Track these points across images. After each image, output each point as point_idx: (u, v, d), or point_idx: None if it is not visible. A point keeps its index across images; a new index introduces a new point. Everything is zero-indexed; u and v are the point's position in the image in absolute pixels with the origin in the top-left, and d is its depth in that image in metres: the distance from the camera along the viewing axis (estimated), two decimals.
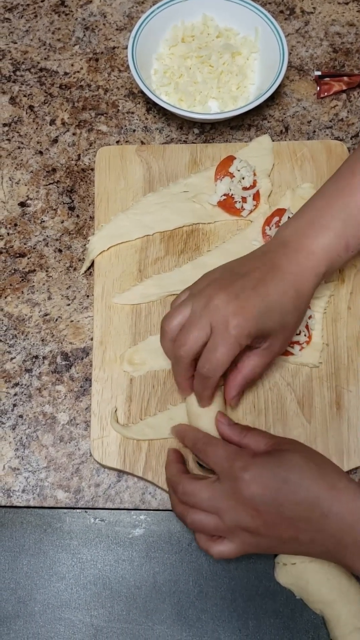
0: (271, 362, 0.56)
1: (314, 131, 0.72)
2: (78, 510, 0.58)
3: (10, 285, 0.65)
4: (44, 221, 0.68)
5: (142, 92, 0.74)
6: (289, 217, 0.62)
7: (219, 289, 0.52)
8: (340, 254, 0.55)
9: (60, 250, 0.67)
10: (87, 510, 0.58)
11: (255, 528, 0.47)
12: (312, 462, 0.48)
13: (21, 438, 0.60)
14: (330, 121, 0.73)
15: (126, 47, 0.77)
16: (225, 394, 0.56)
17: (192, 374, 0.54)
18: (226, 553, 0.49)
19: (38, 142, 0.72)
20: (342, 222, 0.54)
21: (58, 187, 0.70)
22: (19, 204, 0.69)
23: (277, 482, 0.47)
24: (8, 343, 0.63)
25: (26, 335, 0.63)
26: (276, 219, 0.64)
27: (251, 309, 0.51)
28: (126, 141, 0.72)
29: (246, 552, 0.50)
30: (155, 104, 0.73)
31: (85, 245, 0.67)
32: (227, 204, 0.66)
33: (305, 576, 0.54)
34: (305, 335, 0.60)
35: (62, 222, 0.68)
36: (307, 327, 0.60)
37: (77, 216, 0.69)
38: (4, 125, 0.73)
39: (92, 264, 0.65)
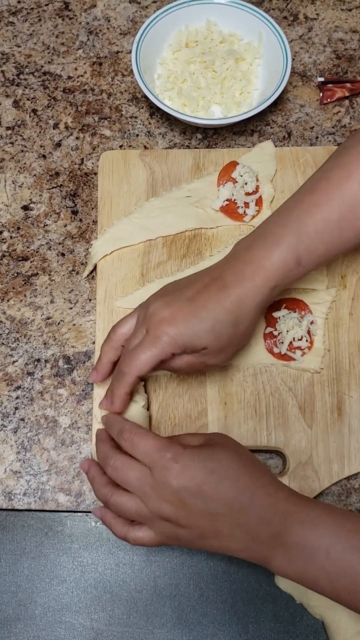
0: (200, 366, 0.54)
1: (317, 137, 0.73)
2: (79, 514, 0.58)
3: (13, 288, 0.66)
4: (47, 225, 0.68)
5: (145, 96, 0.74)
6: None
7: (158, 298, 0.53)
8: (291, 268, 0.53)
9: (63, 254, 0.67)
10: (88, 513, 0.58)
11: (177, 519, 0.47)
12: (241, 457, 0.49)
13: (23, 441, 0.60)
14: (333, 127, 0.73)
15: (130, 52, 0.78)
16: None
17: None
18: (144, 540, 0.49)
19: (41, 146, 0.72)
20: (295, 236, 0.52)
21: (61, 190, 0.70)
22: (22, 208, 0.69)
23: (204, 474, 0.47)
24: (10, 346, 0.63)
25: (28, 339, 0.64)
26: None
27: (181, 318, 0.51)
28: (129, 145, 0.72)
29: (164, 543, 0.50)
30: (158, 109, 0.73)
31: (88, 249, 0.67)
32: (230, 209, 0.66)
33: None
34: (307, 340, 0.60)
35: (65, 225, 0.68)
36: (308, 332, 0.61)
37: (80, 220, 0.69)
38: (8, 128, 0.73)
39: (95, 268, 0.66)
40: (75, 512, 0.58)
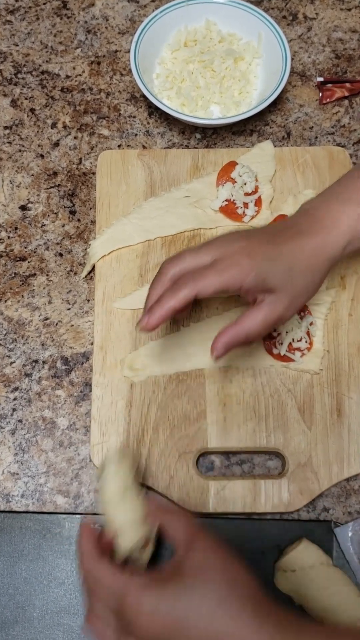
0: (272, 324, 0.51)
1: (316, 137, 0.72)
2: (77, 516, 0.58)
3: (11, 289, 0.65)
4: (44, 225, 0.68)
5: (144, 96, 0.74)
6: None
7: (231, 234, 0.51)
8: None
9: (60, 254, 0.67)
10: (86, 515, 0.58)
11: None
12: (219, 588, 0.42)
13: (20, 443, 0.59)
14: (332, 127, 0.73)
15: (128, 51, 0.77)
16: (212, 343, 0.51)
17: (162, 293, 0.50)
18: None
19: (39, 146, 0.72)
20: None
21: (59, 190, 0.70)
22: (19, 208, 0.69)
23: (173, 620, 0.41)
24: (8, 347, 0.63)
25: (26, 340, 0.63)
26: None
27: (260, 252, 0.49)
28: (128, 145, 0.72)
29: None
30: (157, 109, 0.73)
31: (86, 249, 0.67)
32: (229, 210, 0.66)
33: (305, 582, 0.54)
34: (306, 341, 0.60)
35: (63, 226, 0.68)
36: (308, 333, 0.60)
37: (78, 220, 0.68)
38: (5, 128, 0.73)
39: (93, 268, 0.65)
40: (73, 514, 0.58)
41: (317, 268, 0.51)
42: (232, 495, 0.56)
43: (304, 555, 0.55)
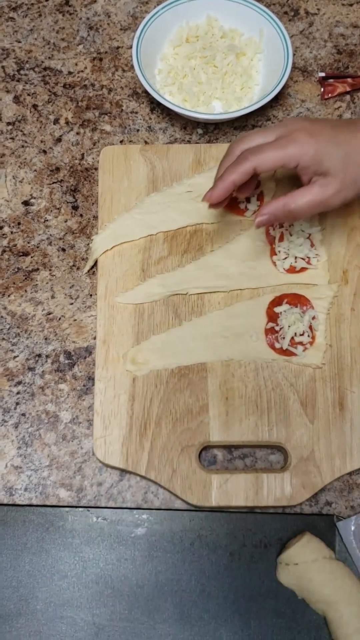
0: (318, 205, 0.55)
1: None
2: (80, 509, 0.58)
3: (14, 283, 0.65)
4: (47, 220, 0.68)
5: (146, 91, 0.74)
6: None
7: (298, 117, 0.57)
8: None
9: (63, 249, 0.67)
10: (89, 509, 0.58)
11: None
12: None
13: (24, 436, 0.60)
14: None
15: (130, 47, 0.77)
16: (257, 212, 0.56)
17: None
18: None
19: (42, 141, 0.72)
20: None
21: (62, 186, 0.70)
22: (22, 203, 0.69)
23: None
24: (11, 341, 0.63)
25: (29, 334, 0.63)
26: None
27: (321, 134, 0.53)
28: (130, 141, 0.72)
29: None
30: (159, 104, 0.73)
31: (88, 244, 0.67)
32: (231, 204, 0.66)
33: (308, 576, 0.54)
34: (308, 335, 0.60)
35: (66, 221, 0.68)
36: (310, 327, 0.60)
37: (81, 215, 0.69)
38: (8, 124, 0.73)
39: (96, 263, 0.65)
40: (76, 507, 0.58)
41: None
42: (235, 488, 0.56)
43: (307, 549, 0.55)
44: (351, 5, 0.81)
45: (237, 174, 0.53)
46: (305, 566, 0.54)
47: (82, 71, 0.76)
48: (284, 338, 0.60)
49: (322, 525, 0.57)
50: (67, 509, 0.58)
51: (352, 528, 0.57)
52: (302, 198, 0.54)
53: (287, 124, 0.54)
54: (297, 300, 0.62)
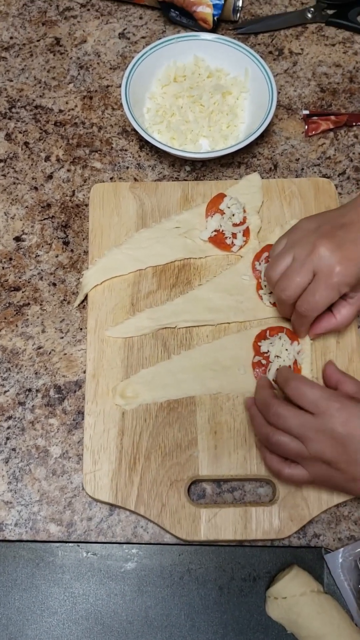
0: (356, 315, 0.61)
1: (302, 169, 0.74)
2: (70, 544, 0.58)
3: (5, 318, 0.66)
4: (38, 255, 0.70)
5: (135, 129, 0.76)
6: None
7: (322, 238, 0.56)
8: None
9: (54, 284, 0.68)
10: (79, 544, 0.58)
11: (337, 462, 0.51)
12: None
13: (14, 471, 0.60)
14: (318, 159, 0.75)
15: (120, 86, 0.79)
16: (312, 327, 0.61)
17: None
18: (297, 477, 0.54)
19: (33, 178, 0.74)
20: None
21: (53, 222, 0.71)
22: (14, 239, 0.70)
23: None
24: (2, 376, 0.64)
25: (20, 369, 0.64)
26: (265, 254, 0.66)
27: (355, 260, 0.56)
28: (120, 178, 0.74)
29: (313, 483, 0.55)
30: (147, 142, 0.75)
31: (79, 279, 0.68)
32: (218, 240, 0.67)
33: (296, 610, 0.54)
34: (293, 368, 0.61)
35: (57, 256, 0.70)
36: (295, 362, 0.62)
37: (72, 250, 0.70)
38: (0, 161, 0.75)
39: (86, 298, 0.67)
40: (66, 542, 0.58)
41: None
42: (224, 522, 0.57)
43: (295, 583, 0.55)
44: (334, 45, 0.83)
45: (307, 325, 0.61)
46: (294, 600, 0.55)
47: (72, 109, 0.78)
48: (269, 370, 0.61)
49: (310, 557, 0.58)
50: (57, 544, 0.58)
51: (340, 560, 0.57)
52: (349, 316, 0.61)
53: (313, 258, 0.56)
54: (282, 332, 0.63)
